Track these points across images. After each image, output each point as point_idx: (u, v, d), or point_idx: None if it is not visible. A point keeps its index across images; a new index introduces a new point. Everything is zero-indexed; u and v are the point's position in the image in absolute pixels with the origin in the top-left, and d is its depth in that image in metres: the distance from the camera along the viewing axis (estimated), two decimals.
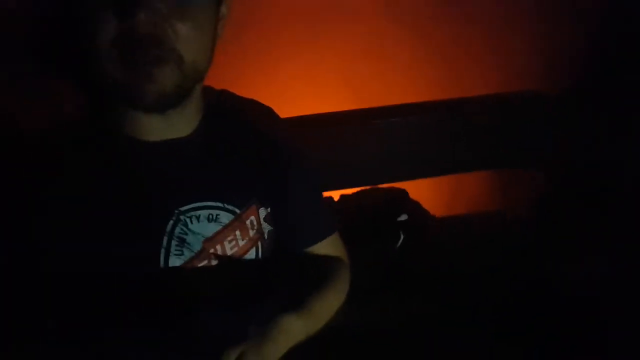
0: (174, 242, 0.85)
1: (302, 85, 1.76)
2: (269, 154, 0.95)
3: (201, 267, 0.87)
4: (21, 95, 0.93)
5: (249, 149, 0.93)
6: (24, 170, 0.82)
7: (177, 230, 0.85)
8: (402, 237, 1.33)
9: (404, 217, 1.36)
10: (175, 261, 0.84)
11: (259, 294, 0.94)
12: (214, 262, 0.88)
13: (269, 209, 0.95)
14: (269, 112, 1.03)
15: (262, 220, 0.94)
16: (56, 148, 0.84)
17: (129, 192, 0.83)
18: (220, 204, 0.88)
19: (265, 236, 0.94)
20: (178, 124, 0.85)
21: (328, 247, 1.03)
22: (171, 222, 0.85)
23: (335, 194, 2.59)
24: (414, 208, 1.62)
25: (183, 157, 0.87)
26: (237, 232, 0.90)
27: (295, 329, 0.86)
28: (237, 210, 0.90)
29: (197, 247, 0.86)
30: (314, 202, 1.02)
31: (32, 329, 0.81)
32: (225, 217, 0.89)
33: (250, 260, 0.92)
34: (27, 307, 0.81)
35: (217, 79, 0.94)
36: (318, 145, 1.46)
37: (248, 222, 0.91)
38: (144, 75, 0.73)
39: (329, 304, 0.95)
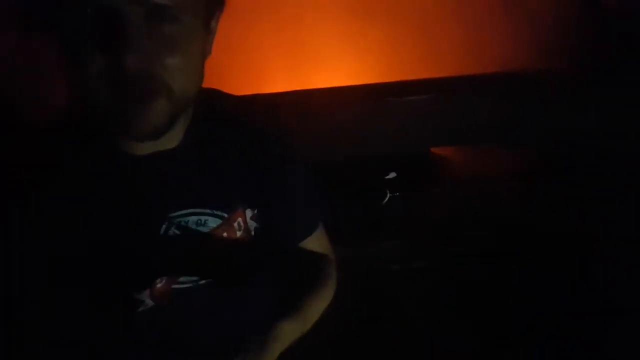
0: None
1: None
2: (257, 156, 0.94)
3: (193, 248, 0.90)
4: (23, 92, 0.89)
5: (237, 153, 0.92)
6: (23, 170, 0.82)
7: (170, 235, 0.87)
8: (388, 195, 1.35)
9: (392, 175, 1.37)
10: None
11: (248, 271, 0.98)
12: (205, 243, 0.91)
13: (255, 210, 0.96)
14: (257, 111, 1.00)
15: (248, 219, 0.95)
16: (55, 150, 0.84)
17: (121, 202, 0.84)
18: (208, 211, 0.90)
19: (252, 233, 0.96)
20: (167, 138, 0.83)
21: (313, 241, 1.05)
22: (164, 227, 0.87)
23: None
24: None
25: (172, 168, 0.86)
26: (224, 234, 0.92)
27: (289, 334, 0.91)
28: (225, 215, 0.91)
29: None
30: (300, 201, 1.02)
31: (31, 329, 0.86)
32: (213, 222, 0.90)
33: (238, 240, 0.95)
34: (26, 307, 0.85)
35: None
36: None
37: (235, 224, 0.93)
38: (134, 112, 0.71)
39: (317, 306, 0.99)
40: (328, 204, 1.12)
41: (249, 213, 0.95)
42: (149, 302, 0.87)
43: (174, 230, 0.87)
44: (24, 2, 0.80)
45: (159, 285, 0.87)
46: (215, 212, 0.90)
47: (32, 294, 0.84)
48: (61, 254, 0.82)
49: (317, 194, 1.05)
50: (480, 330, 1.50)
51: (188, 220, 0.88)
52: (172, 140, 0.85)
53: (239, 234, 0.93)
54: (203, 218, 0.89)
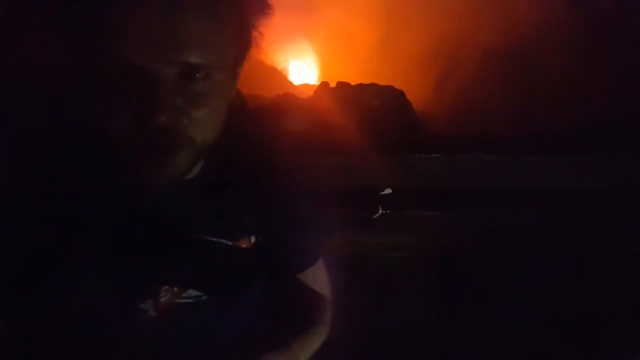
0: None
1: None
2: (266, 188, 0.97)
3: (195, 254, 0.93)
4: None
5: (247, 185, 0.96)
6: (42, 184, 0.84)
7: None
8: (380, 211, 1.40)
9: (388, 191, 1.42)
10: None
11: (246, 282, 1.04)
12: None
13: (260, 238, 1.00)
14: (270, 142, 1.03)
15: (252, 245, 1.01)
16: (74, 168, 0.84)
17: (134, 225, 0.87)
18: (215, 240, 0.94)
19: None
20: None
21: (310, 275, 1.07)
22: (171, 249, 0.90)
23: (333, 81, 2.55)
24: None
25: (186, 197, 0.90)
26: None
27: None
28: (230, 243, 0.96)
29: None
30: (301, 234, 1.05)
31: (34, 329, 0.90)
32: None
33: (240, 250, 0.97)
34: (31, 306, 0.88)
35: None
36: None
37: None
38: (159, 163, 0.74)
39: (308, 346, 1.00)
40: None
41: (252, 239, 0.97)
42: (152, 314, 0.91)
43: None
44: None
45: (163, 299, 0.91)
46: (222, 241, 0.93)
47: (38, 295, 0.87)
48: (70, 261, 0.85)
49: (318, 229, 1.07)
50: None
51: None
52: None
53: None
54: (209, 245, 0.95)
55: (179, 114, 0.71)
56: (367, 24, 3.81)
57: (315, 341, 1.02)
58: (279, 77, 3.86)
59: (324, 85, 2.47)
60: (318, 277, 1.09)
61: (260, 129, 1.05)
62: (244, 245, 0.97)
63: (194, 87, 0.72)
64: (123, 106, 0.70)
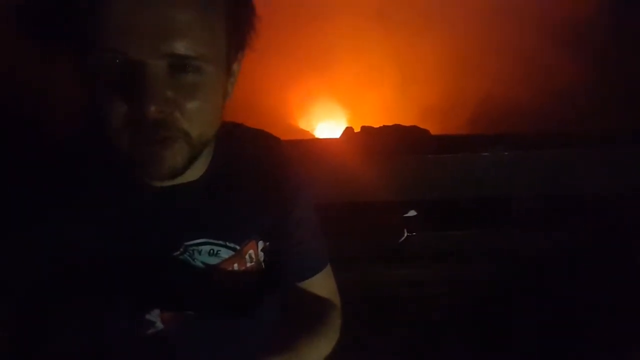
0: None
1: None
2: (273, 192, 0.97)
3: (201, 277, 0.92)
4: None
5: (254, 189, 0.95)
6: (48, 188, 0.84)
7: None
8: (405, 234, 1.34)
9: (412, 214, 1.36)
10: None
11: (252, 302, 0.99)
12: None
13: (267, 243, 0.98)
14: (277, 146, 1.02)
15: (259, 251, 0.98)
16: (80, 172, 0.85)
17: (140, 227, 0.86)
18: (222, 242, 0.92)
19: (262, 264, 0.99)
20: (189, 172, 0.85)
21: (319, 281, 1.05)
22: (178, 253, 0.89)
23: (357, 126, 2.56)
24: None
25: (192, 199, 0.89)
26: (235, 265, 0.94)
27: None
28: (237, 247, 0.94)
29: None
30: (308, 240, 1.03)
31: (43, 341, 0.87)
32: (225, 253, 0.93)
33: (245, 272, 0.96)
34: (39, 319, 0.86)
35: None
36: None
37: (247, 256, 0.96)
38: (154, 157, 0.74)
39: (316, 349, 0.97)
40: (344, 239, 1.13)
41: (260, 245, 0.97)
42: (159, 325, 0.89)
43: (186, 257, 0.89)
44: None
45: (169, 311, 0.89)
46: (228, 244, 0.93)
47: (44, 308, 0.86)
48: (76, 270, 0.84)
49: (322, 234, 1.05)
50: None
51: (202, 250, 0.90)
52: (193, 173, 0.87)
53: (249, 264, 0.96)
54: (216, 248, 0.91)
55: (170, 105, 0.72)
56: (384, 79, 3.84)
57: (323, 347, 0.98)
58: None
59: (348, 130, 2.47)
60: (326, 283, 1.07)
61: (268, 134, 1.03)
62: (251, 250, 0.95)
63: (185, 79, 0.73)
64: (117, 101, 0.71)
